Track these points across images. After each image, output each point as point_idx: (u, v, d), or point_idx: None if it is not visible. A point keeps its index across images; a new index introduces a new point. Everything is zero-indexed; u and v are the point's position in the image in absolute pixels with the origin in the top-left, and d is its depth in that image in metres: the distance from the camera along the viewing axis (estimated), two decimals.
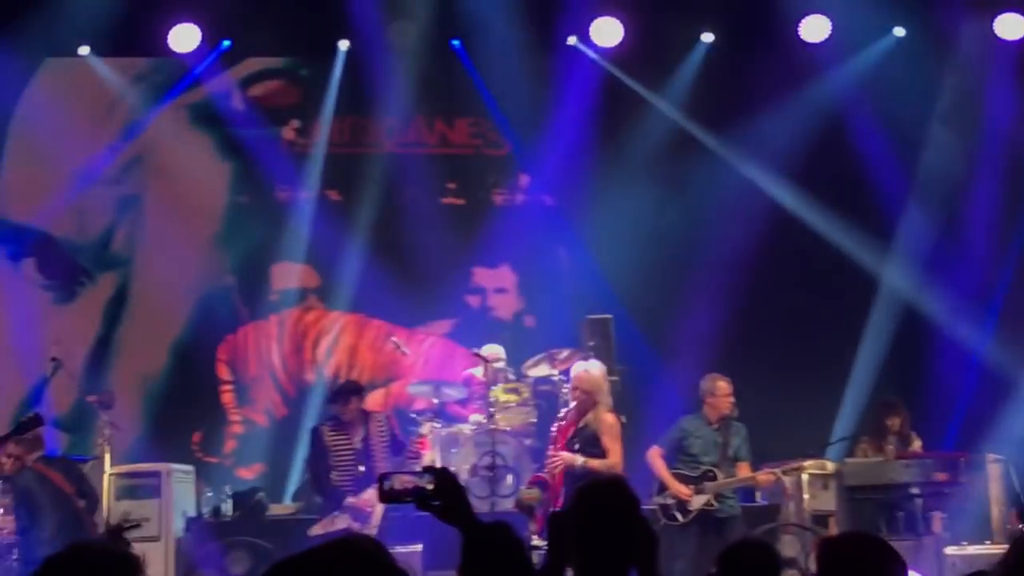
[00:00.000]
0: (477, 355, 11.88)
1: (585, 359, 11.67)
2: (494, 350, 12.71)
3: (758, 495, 12.28)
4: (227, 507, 11.94)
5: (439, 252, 14.52)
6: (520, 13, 14.15)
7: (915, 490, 11.48)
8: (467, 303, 15.12)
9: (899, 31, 14.59)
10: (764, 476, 10.68)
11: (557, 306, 14.36)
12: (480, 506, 11.44)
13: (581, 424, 10.11)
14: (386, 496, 4.08)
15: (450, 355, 14.55)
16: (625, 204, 14.21)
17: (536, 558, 9.36)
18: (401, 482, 4.08)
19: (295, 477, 13.70)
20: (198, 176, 14.83)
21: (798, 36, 14.45)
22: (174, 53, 14.41)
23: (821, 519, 11.54)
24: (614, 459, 10.00)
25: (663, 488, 10.58)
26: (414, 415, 12.51)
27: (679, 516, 10.42)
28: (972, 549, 10.82)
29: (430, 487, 3.98)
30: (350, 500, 10.41)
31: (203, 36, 14.33)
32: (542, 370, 12.62)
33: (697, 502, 10.43)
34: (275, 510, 12.43)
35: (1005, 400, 13.09)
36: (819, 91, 14.42)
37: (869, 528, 11.10)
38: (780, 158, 14.23)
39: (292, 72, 15.29)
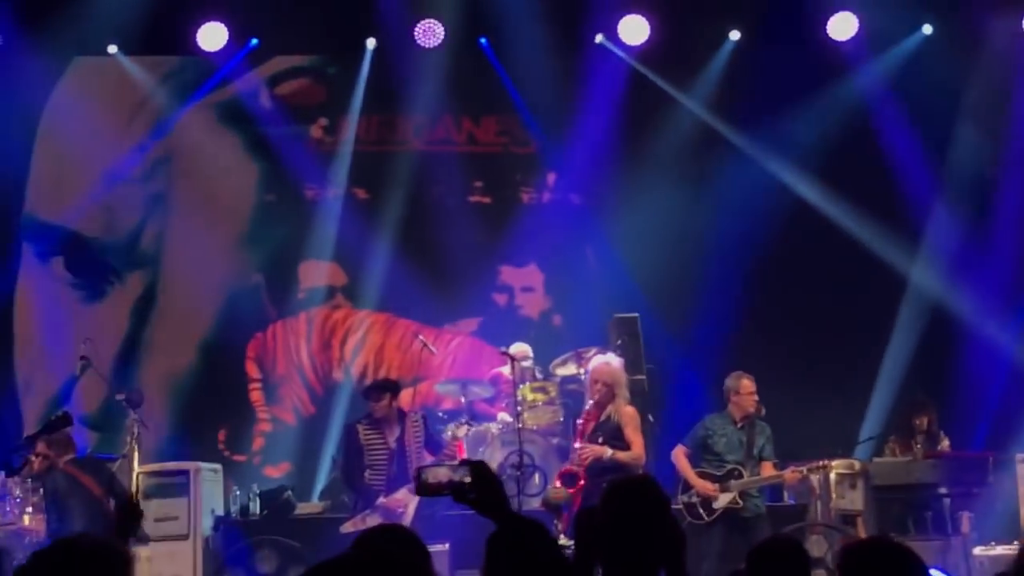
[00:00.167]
0: (505, 353, 11.87)
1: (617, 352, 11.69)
2: (522, 348, 12.70)
3: (786, 495, 12.25)
4: (255, 506, 11.96)
5: (466, 250, 14.53)
6: (547, 11, 14.14)
7: (943, 490, 11.44)
8: (494, 302, 15.12)
9: (927, 29, 14.53)
10: (791, 474, 10.65)
11: (584, 305, 14.34)
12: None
13: (603, 417, 10.13)
14: (423, 489, 4.09)
15: (477, 354, 14.55)
16: (652, 202, 14.18)
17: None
18: (437, 475, 4.09)
19: (322, 476, 13.72)
20: (226, 175, 14.88)
21: (826, 33, 14.42)
22: (202, 52, 14.45)
23: (849, 519, 11.51)
24: (638, 450, 10.08)
25: (687, 487, 10.56)
26: (442, 414, 12.53)
27: (704, 515, 10.40)
28: (1000, 549, 10.77)
29: (467, 480, 3.99)
30: (382, 500, 10.41)
31: (231, 35, 14.36)
32: (569, 369, 12.61)
33: (723, 500, 10.40)
34: (303, 509, 12.44)
35: None
36: (846, 89, 14.40)
37: (897, 528, 11.10)
38: (807, 156, 14.20)
39: (319, 70, 15.31)
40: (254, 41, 14.63)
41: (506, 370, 12.26)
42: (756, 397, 10.71)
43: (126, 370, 14.21)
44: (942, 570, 8.27)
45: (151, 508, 11.34)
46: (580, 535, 4.36)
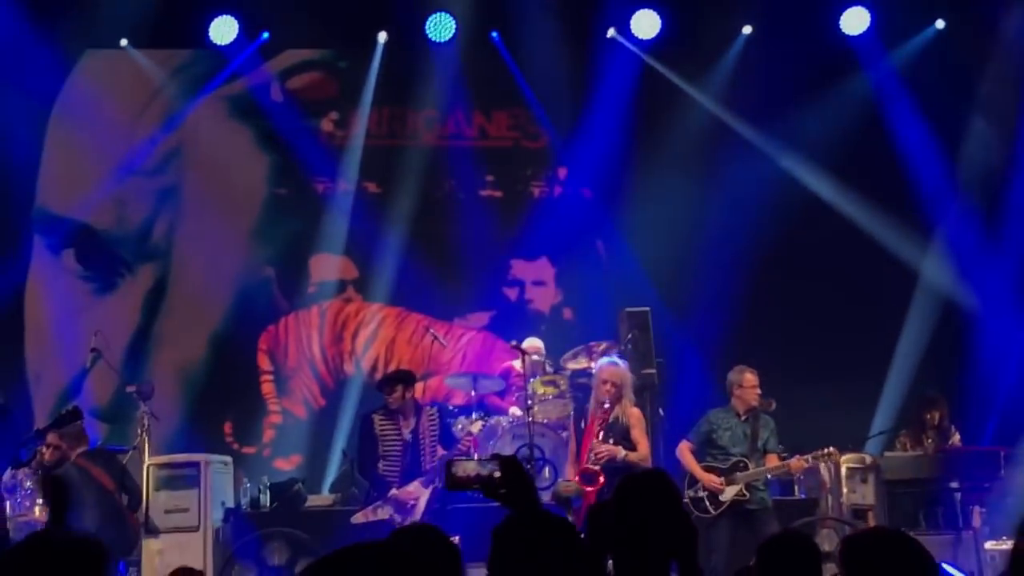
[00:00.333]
0: (516, 347, 11.88)
1: (620, 353, 11.71)
2: (534, 343, 12.72)
3: (797, 489, 12.24)
4: (265, 498, 11.97)
5: (477, 244, 14.54)
6: (559, 5, 14.16)
7: (954, 484, 11.44)
8: (505, 295, 15.12)
9: (940, 23, 14.50)
10: (796, 463, 10.61)
11: (595, 299, 14.35)
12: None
13: (612, 418, 10.17)
14: (452, 482, 4.10)
15: (489, 350, 14.55)
16: (663, 196, 14.17)
17: None
18: (466, 469, 4.10)
19: (333, 468, 13.72)
20: (237, 168, 14.88)
21: (838, 28, 14.40)
22: (213, 45, 14.45)
23: (860, 513, 11.50)
24: (645, 451, 10.30)
25: (693, 481, 10.55)
26: (453, 408, 12.53)
27: (711, 508, 10.39)
28: (1011, 544, 10.72)
29: (497, 475, 4.00)
30: (394, 492, 10.41)
31: (242, 28, 14.36)
32: (580, 363, 12.61)
33: (729, 493, 10.39)
34: (313, 501, 12.44)
35: None
36: (858, 84, 14.40)
37: (908, 522, 11.09)
38: (819, 151, 14.19)
39: (331, 64, 15.31)
40: (265, 35, 14.63)
41: (517, 364, 12.26)
42: (759, 390, 10.69)
43: (137, 362, 14.21)
44: (953, 565, 8.25)
45: (161, 500, 11.37)
46: (592, 529, 4.36)
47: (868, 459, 11.87)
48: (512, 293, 15.22)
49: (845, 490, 11.60)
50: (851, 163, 14.14)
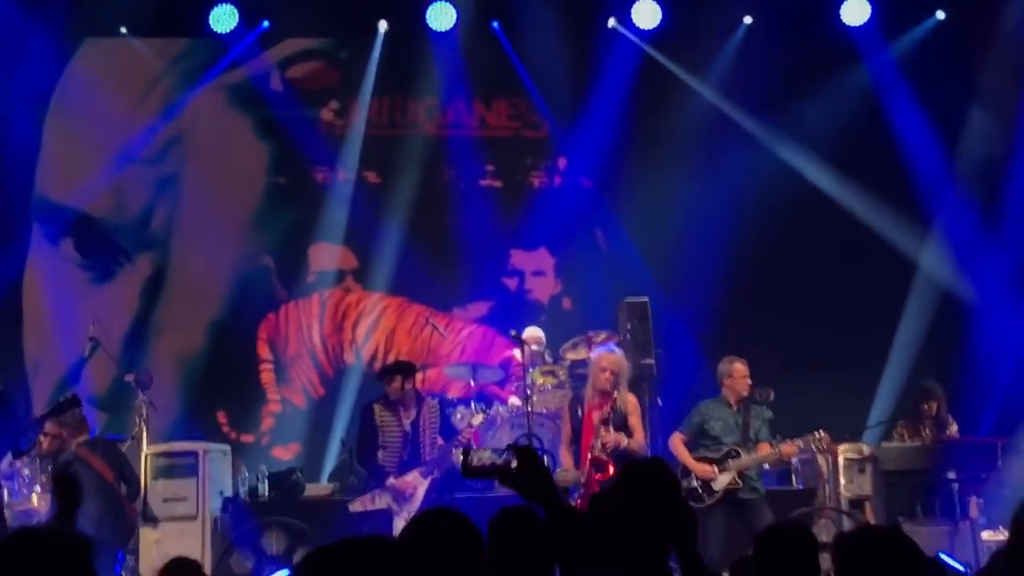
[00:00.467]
0: (516, 337, 11.88)
1: (618, 343, 11.71)
2: (535, 333, 12.73)
3: (794, 479, 12.25)
4: (264, 487, 11.98)
5: (477, 234, 14.54)
6: None
7: (952, 475, 11.44)
8: (504, 285, 15.12)
9: (940, 14, 14.49)
10: (787, 448, 10.60)
11: (594, 289, 14.36)
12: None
13: (610, 406, 10.19)
14: (468, 470, 4.11)
15: (488, 345, 14.53)
16: (662, 187, 14.17)
17: None
18: (482, 458, 4.11)
19: (331, 458, 13.73)
20: (236, 157, 14.88)
21: (838, 19, 14.38)
22: (213, 34, 14.43)
23: (857, 503, 11.51)
24: (641, 438, 10.38)
25: (686, 472, 10.55)
26: (453, 399, 12.53)
27: (705, 497, 10.38)
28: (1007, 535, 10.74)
29: (513, 464, 4.01)
30: (391, 481, 10.42)
31: (242, 17, 14.35)
32: (579, 353, 12.62)
33: (722, 481, 10.39)
34: (311, 490, 12.45)
35: None
36: (858, 75, 14.38)
37: (905, 513, 11.10)
38: (818, 141, 14.19)
39: (331, 53, 15.30)
40: (265, 23, 14.61)
41: (517, 354, 12.27)
42: (749, 380, 10.69)
43: (135, 351, 14.22)
44: (950, 555, 8.26)
45: (159, 489, 11.37)
46: (594, 518, 4.36)
47: (866, 449, 11.88)
48: (512, 283, 15.23)
49: (843, 480, 11.61)
50: (850, 154, 14.14)
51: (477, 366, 12.88)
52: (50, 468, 10.70)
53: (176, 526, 11.26)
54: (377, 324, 14.90)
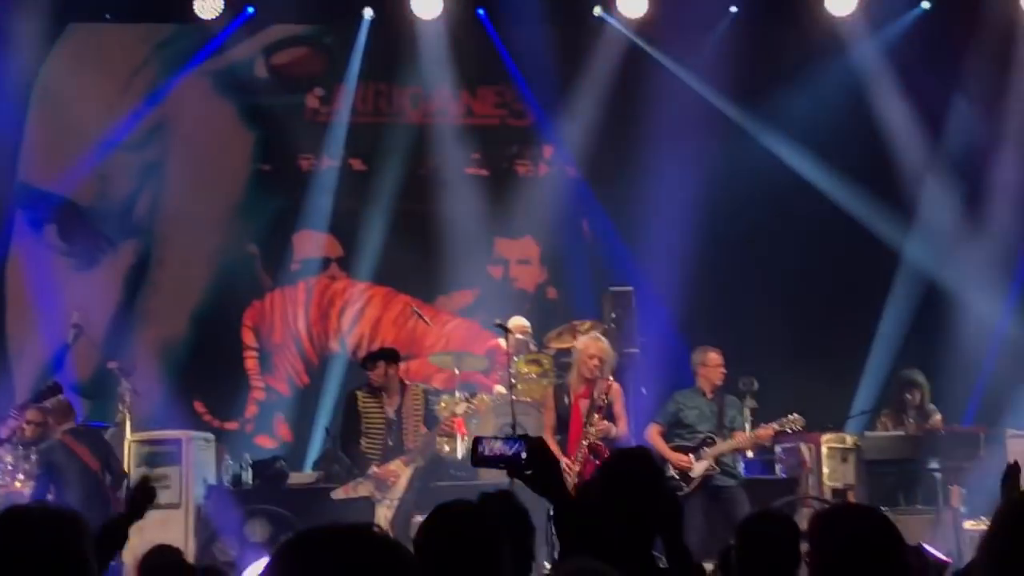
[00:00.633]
0: (500, 325, 11.87)
1: (605, 332, 11.71)
2: (521, 323, 12.71)
3: (778, 468, 12.27)
4: (247, 475, 11.97)
5: (462, 222, 14.53)
6: None
7: (934, 464, 11.48)
8: (489, 274, 15.11)
9: (925, 3, 14.50)
10: (763, 432, 10.64)
11: (579, 278, 14.36)
12: (501, 476, 11.45)
13: (597, 393, 10.19)
14: (478, 460, 4.11)
15: (473, 337, 14.50)
16: (648, 176, 14.16)
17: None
18: (492, 448, 4.11)
19: (316, 446, 13.72)
20: (221, 144, 14.85)
21: (824, 8, 14.37)
22: (198, 20, 14.38)
23: (840, 492, 11.54)
24: (625, 426, 10.37)
25: (663, 462, 10.56)
26: (436, 388, 12.51)
27: (683, 486, 10.41)
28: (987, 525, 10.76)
29: (523, 456, 4.01)
30: (374, 469, 10.40)
31: (227, 3, 14.28)
32: (564, 342, 12.60)
33: (698, 469, 10.41)
34: (295, 479, 12.45)
35: None
36: (844, 64, 14.37)
37: (887, 502, 11.13)
38: (804, 130, 14.20)
39: (316, 40, 15.26)
40: (250, 10, 14.55)
41: (502, 342, 12.26)
42: (723, 369, 10.71)
43: (119, 338, 14.17)
44: (931, 544, 8.27)
45: (140, 474, 11.34)
46: (581, 506, 4.35)
47: (849, 439, 11.91)
48: (497, 272, 15.22)
49: (826, 470, 11.64)
50: (835, 143, 14.14)
51: (462, 354, 12.87)
52: (33, 456, 10.68)
53: (159, 514, 11.13)
54: (362, 313, 14.89)
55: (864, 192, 14.15)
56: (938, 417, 12.04)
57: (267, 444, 14.17)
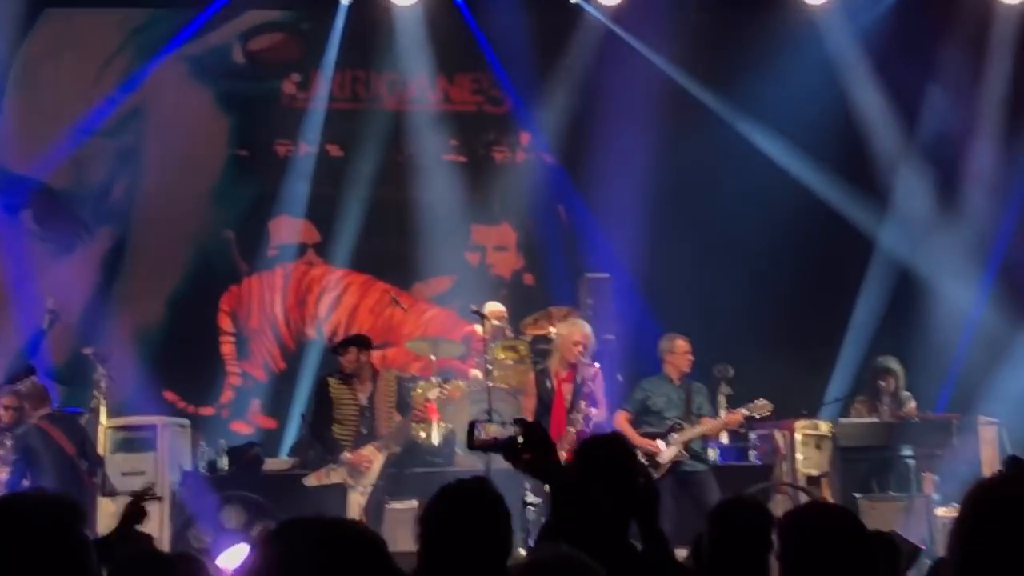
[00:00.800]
0: (476, 312, 11.88)
1: (582, 318, 11.71)
2: (496, 308, 12.72)
3: (752, 455, 12.31)
4: (223, 461, 11.96)
5: (439, 209, 14.53)
6: None
7: (907, 451, 11.54)
8: (467, 260, 15.12)
9: None
10: (732, 417, 10.71)
11: (556, 264, 14.37)
12: (476, 463, 11.48)
13: (580, 379, 10.21)
14: (475, 444, 4.13)
15: (451, 326, 14.50)
16: (625, 163, 14.17)
17: (531, 515, 9.45)
18: (489, 432, 4.12)
19: (292, 432, 13.71)
20: (197, 129, 14.79)
21: None
22: (175, 5, 14.34)
23: (814, 479, 11.59)
24: (605, 410, 10.44)
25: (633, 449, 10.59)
26: (414, 375, 12.52)
27: (652, 472, 10.44)
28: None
29: (520, 440, 4.02)
30: (347, 455, 10.39)
31: None
32: (541, 328, 12.63)
33: (667, 454, 10.44)
34: (271, 465, 12.45)
35: (999, 362, 13.11)
36: (818, 51, 14.37)
37: (861, 488, 11.18)
38: (779, 118, 14.21)
39: (293, 26, 15.23)
40: None
41: (479, 328, 12.28)
42: (691, 357, 10.75)
43: (95, 324, 14.12)
44: (904, 531, 8.32)
45: (118, 462, 11.34)
46: (556, 494, 4.36)
47: (823, 426, 11.96)
48: (474, 258, 15.23)
49: (800, 457, 11.69)
50: (810, 130, 14.14)
51: (438, 340, 12.88)
52: (8, 441, 10.65)
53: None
54: (340, 301, 14.88)
55: (839, 179, 14.19)
56: (912, 404, 12.07)
57: (243, 430, 14.16)
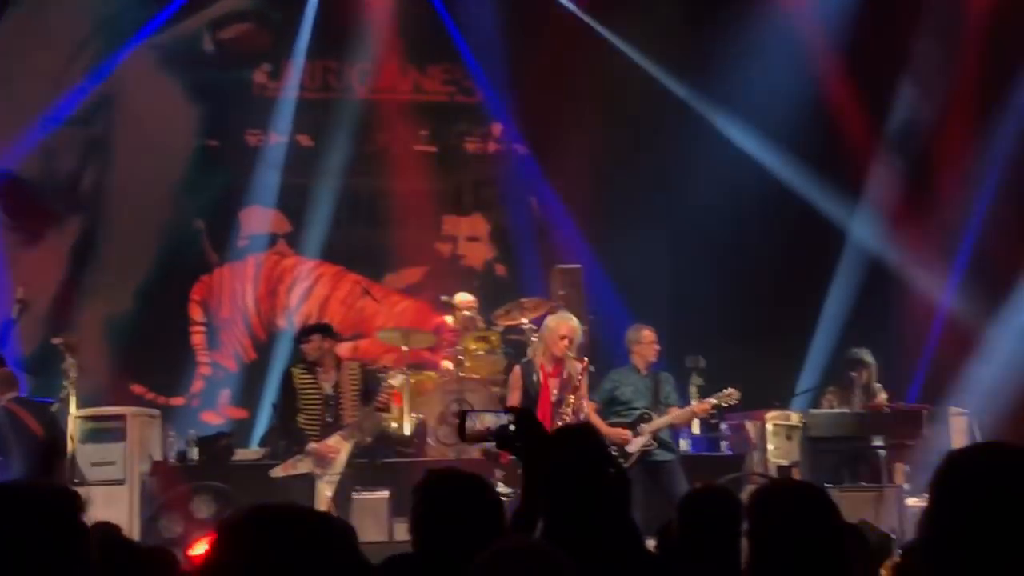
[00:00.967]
0: (447, 302, 11.86)
1: (554, 310, 11.70)
2: (466, 299, 12.70)
3: (723, 445, 12.34)
4: (193, 452, 11.91)
5: (410, 199, 14.51)
6: None
7: (878, 442, 11.57)
8: (438, 251, 15.10)
9: None
10: (700, 407, 10.72)
11: (528, 255, 14.37)
12: (447, 453, 11.48)
13: (566, 373, 10.19)
14: (467, 435, 4.10)
15: (422, 317, 14.47)
16: (597, 154, 14.18)
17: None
18: (483, 421, 4.09)
19: (262, 422, 13.66)
20: (167, 119, 14.71)
21: None
22: None
23: (785, 469, 11.61)
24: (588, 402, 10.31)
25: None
26: (386, 366, 12.49)
27: (622, 461, 10.44)
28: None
29: (512, 428, 3.99)
30: (313, 445, 10.35)
31: None
32: (513, 319, 12.62)
33: (636, 444, 10.42)
34: (241, 455, 12.41)
35: (970, 354, 13.16)
36: (790, 43, 14.38)
37: (832, 479, 11.21)
38: (752, 110, 14.23)
39: (263, 15, 15.16)
40: None
41: (449, 319, 12.25)
42: (657, 346, 10.74)
43: (63, 314, 14.05)
44: (875, 521, 8.36)
45: (87, 453, 11.28)
46: (526, 484, 4.35)
47: (794, 416, 11.98)
48: (445, 248, 15.22)
49: (771, 447, 11.71)
50: (782, 121, 14.16)
51: (409, 331, 12.85)
52: None
53: (104, 490, 11.15)
54: (311, 291, 14.84)
55: (810, 170, 14.21)
56: (884, 396, 12.11)
57: (213, 420, 14.11)
